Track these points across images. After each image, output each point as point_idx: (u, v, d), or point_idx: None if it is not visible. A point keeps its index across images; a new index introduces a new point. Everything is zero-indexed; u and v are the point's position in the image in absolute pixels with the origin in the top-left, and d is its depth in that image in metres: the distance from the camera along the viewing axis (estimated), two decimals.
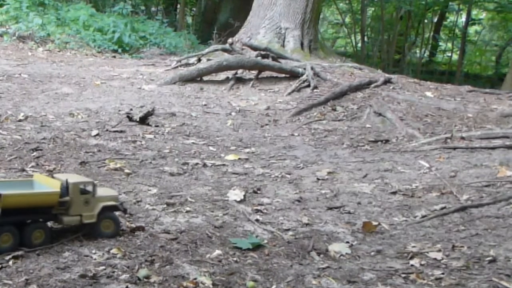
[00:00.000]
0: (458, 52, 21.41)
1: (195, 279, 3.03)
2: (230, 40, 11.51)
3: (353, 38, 20.43)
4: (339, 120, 7.96)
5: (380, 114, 7.92)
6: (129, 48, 13.29)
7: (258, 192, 4.83)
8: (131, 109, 7.33)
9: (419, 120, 7.79)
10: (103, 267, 3.07)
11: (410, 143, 6.77)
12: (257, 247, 3.58)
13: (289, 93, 9.09)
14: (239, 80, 9.65)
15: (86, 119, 6.86)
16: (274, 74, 9.86)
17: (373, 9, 21.52)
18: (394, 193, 4.93)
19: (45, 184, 3.48)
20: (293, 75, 9.67)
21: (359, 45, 19.79)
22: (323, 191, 4.96)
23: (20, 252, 3.14)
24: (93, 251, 3.26)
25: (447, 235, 3.98)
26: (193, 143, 6.43)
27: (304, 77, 9.44)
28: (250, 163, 5.80)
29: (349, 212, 4.46)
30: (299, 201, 4.67)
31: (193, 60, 10.95)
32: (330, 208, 4.54)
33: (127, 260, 3.19)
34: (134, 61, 11.98)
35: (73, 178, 3.52)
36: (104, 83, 8.96)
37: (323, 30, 24.92)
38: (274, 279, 3.15)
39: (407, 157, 6.17)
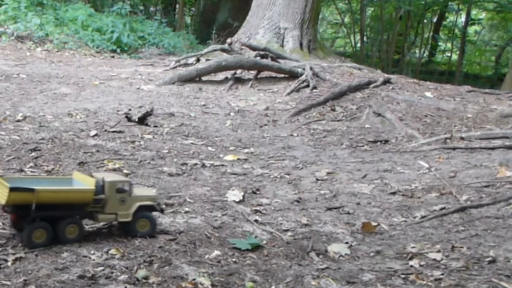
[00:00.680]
0: (457, 52, 21.43)
1: (194, 279, 3.02)
2: (229, 40, 11.51)
3: (352, 38, 20.45)
4: (338, 121, 7.96)
5: (379, 115, 7.91)
6: (127, 48, 13.27)
7: (257, 192, 4.82)
8: (130, 109, 7.32)
9: (419, 121, 7.79)
10: (102, 267, 3.06)
11: (410, 143, 6.76)
12: (256, 247, 3.57)
13: (288, 93, 9.08)
14: (238, 80, 9.64)
15: (85, 119, 6.85)
16: (273, 74, 9.85)
17: (372, 9, 21.53)
18: (393, 193, 4.92)
19: (83, 182, 3.55)
20: (292, 75, 9.66)
21: (359, 45, 19.80)
22: (322, 192, 4.95)
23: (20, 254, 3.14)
24: (92, 252, 3.25)
25: (446, 236, 3.97)
26: (192, 143, 6.42)
27: (303, 77, 9.43)
28: (249, 164, 5.79)
29: (348, 213, 4.45)
30: (298, 201, 4.67)
31: (192, 60, 10.95)
32: (329, 209, 4.53)
33: (125, 261, 3.18)
34: (132, 61, 11.97)
35: (110, 177, 3.60)
36: (102, 83, 8.95)
37: (322, 30, 24.93)
38: (273, 280, 3.14)
39: (407, 157, 6.16)
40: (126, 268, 3.09)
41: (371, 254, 3.65)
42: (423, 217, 4.33)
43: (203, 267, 3.22)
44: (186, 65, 10.69)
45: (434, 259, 3.54)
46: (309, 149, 6.60)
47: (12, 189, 3.16)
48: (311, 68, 9.68)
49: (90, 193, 3.40)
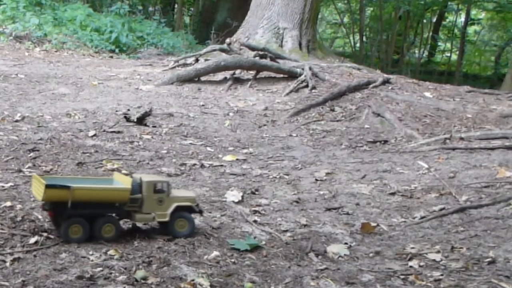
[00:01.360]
0: (457, 52, 21.44)
1: (193, 280, 3.02)
2: (228, 40, 11.50)
3: (351, 38, 20.44)
4: (337, 121, 7.95)
5: (378, 115, 7.90)
6: (126, 48, 13.26)
7: (256, 193, 4.81)
8: (129, 110, 7.30)
9: (418, 121, 7.78)
10: (100, 268, 3.05)
11: (409, 143, 6.75)
12: (255, 248, 3.57)
13: (287, 94, 9.07)
14: (237, 81, 9.63)
15: (83, 119, 6.84)
16: (272, 74, 9.84)
17: (371, 9, 21.54)
18: (393, 194, 4.92)
19: (122, 182, 3.59)
20: (291, 75, 9.65)
21: (358, 45, 19.80)
22: (321, 192, 4.94)
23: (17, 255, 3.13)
24: (90, 252, 3.24)
25: (446, 236, 3.96)
26: (190, 143, 6.41)
27: (302, 77, 9.42)
28: (248, 164, 5.78)
29: (347, 213, 4.44)
30: (297, 202, 4.66)
31: (190, 60, 10.94)
32: (328, 209, 4.52)
33: (124, 262, 3.17)
34: (131, 61, 11.96)
35: (148, 177, 3.65)
36: (101, 84, 8.94)
37: (322, 30, 24.92)
38: (272, 281, 3.13)
39: (406, 157, 6.15)
40: (125, 268, 3.08)
41: (371, 254, 3.64)
42: (422, 217, 4.32)
43: (202, 267, 3.21)
44: (185, 65, 10.68)
45: (434, 260, 3.53)
46: (308, 150, 6.59)
47: (48, 186, 3.22)
48: (310, 68, 9.67)
49: (126, 192, 3.44)
